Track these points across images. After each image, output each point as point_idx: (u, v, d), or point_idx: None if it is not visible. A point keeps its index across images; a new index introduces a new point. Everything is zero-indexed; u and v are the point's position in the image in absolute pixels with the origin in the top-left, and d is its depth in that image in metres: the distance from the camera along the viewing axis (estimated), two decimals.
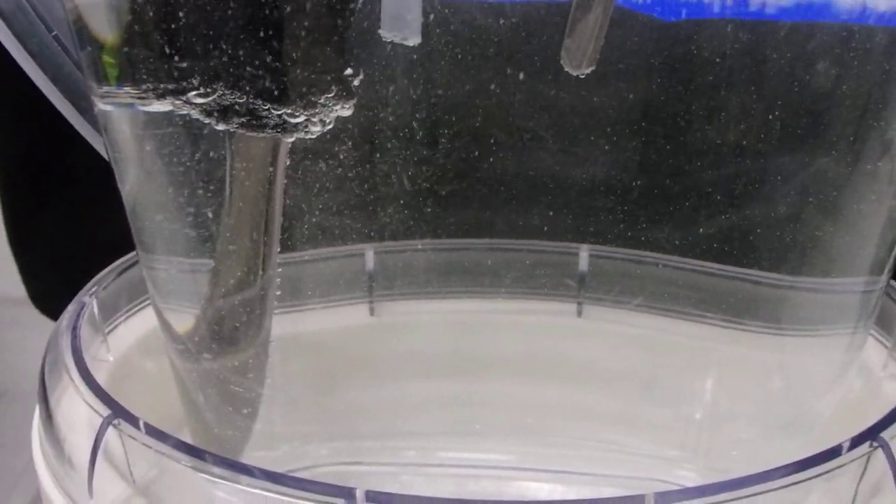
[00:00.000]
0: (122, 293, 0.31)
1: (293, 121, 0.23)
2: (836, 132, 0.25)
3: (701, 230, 0.28)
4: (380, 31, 0.24)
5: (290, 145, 0.24)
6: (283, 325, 0.28)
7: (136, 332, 0.31)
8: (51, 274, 0.45)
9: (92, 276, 0.31)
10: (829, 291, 0.28)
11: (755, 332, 0.29)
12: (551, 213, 0.29)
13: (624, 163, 0.27)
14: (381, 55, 0.25)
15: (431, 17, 0.25)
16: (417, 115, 0.26)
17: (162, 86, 0.23)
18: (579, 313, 0.32)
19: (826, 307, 0.28)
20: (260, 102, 0.22)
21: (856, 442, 0.21)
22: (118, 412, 0.23)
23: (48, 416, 0.25)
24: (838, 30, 0.24)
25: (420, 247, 0.29)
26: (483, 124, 0.27)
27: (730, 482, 0.20)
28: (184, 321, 0.27)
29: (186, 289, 0.27)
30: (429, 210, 0.28)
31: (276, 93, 0.22)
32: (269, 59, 0.22)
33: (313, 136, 0.23)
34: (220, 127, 0.23)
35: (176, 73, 0.22)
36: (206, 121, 0.23)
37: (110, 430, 0.23)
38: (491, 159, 0.28)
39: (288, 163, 0.25)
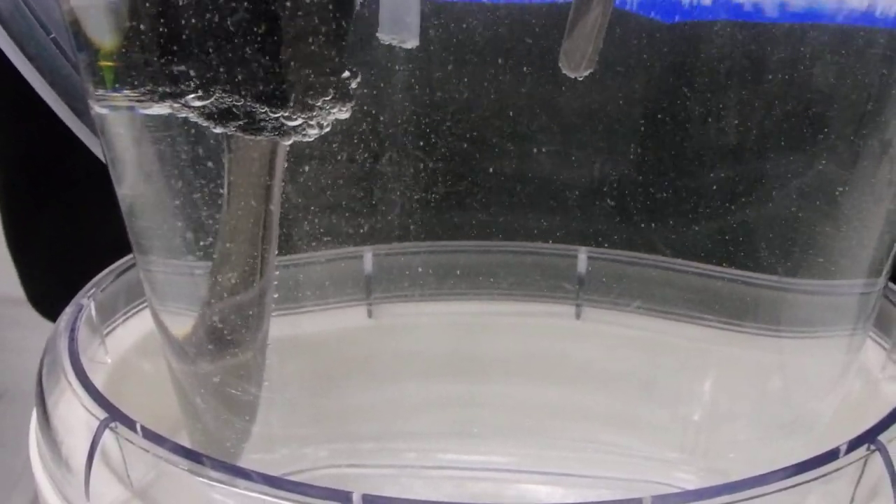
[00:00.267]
0: (121, 295, 0.31)
1: (291, 124, 0.23)
2: (834, 134, 0.25)
3: (699, 232, 0.28)
4: (378, 34, 0.24)
5: (288, 148, 0.24)
6: (281, 327, 0.28)
7: (134, 334, 0.31)
8: (49, 276, 0.45)
9: (90, 278, 0.31)
10: (828, 293, 0.28)
11: (753, 333, 0.29)
12: (550, 216, 0.29)
13: (622, 165, 0.27)
14: (378, 58, 0.25)
15: (429, 19, 0.25)
16: (416, 118, 0.26)
17: (160, 89, 0.22)
18: (578, 315, 0.32)
19: (824, 309, 0.28)
20: (257, 105, 0.22)
21: (853, 445, 0.21)
22: (115, 415, 0.23)
23: (45, 419, 0.25)
24: (837, 31, 0.24)
25: (418, 249, 0.29)
26: (481, 127, 0.27)
27: (727, 485, 0.20)
28: (181, 324, 0.27)
29: (183, 291, 0.27)
30: (427, 212, 0.28)
31: (273, 96, 0.22)
32: (266, 61, 0.22)
33: (311, 139, 0.23)
34: (218, 130, 0.23)
35: (173, 77, 0.22)
36: (205, 124, 0.23)
37: (107, 433, 0.23)
38: (489, 162, 0.28)
39: (286, 165, 0.25)
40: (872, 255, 0.26)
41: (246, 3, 0.21)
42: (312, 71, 0.22)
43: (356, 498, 0.19)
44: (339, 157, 0.26)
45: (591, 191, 0.28)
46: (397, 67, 0.25)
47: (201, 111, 0.22)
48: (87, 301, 0.29)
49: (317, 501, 0.20)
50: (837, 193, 0.25)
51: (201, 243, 0.26)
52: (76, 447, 0.24)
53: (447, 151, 0.27)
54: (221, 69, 0.22)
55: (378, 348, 0.32)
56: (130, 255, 0.30)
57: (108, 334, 0.31)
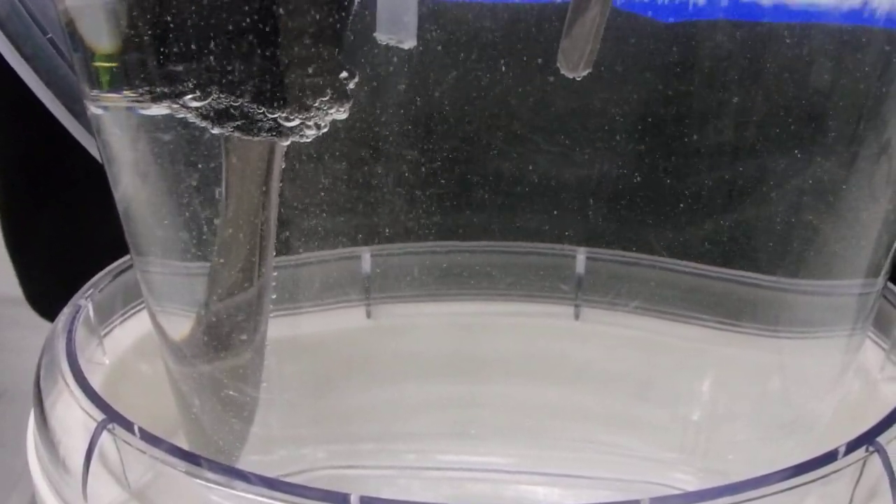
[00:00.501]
0: (119, 296, 0.31)
1: (288, 124, 0.23)
2: (833, 134, 0.25)
3: (698, 233, 0.28)
4: (375, 34, 0.24)
5: (285, 148, 0.24)
6: (279, 328, 0.28)
7: (132, 335, 0.31)
8: (47, 276, 0.45)
9: (89, 279, 0.31)
10: (827, 293, 0.27)
11: (752, 334, 0.29)
12: (548, 216, 0.29)
13: (621, 165, 0.27)
14: (376, 58, 0.25)
15: (427, 19, 0.25)
16: (413, 118, 0.26)
17: (157, 89, 0.22)
18: (576, 316, 0.32)
19: (823, 309, 0.28)
20: (255, 106, 0.22)
21: (852, 446, 0.21)
22: (113, 417, 0.23)
23: (43, 420, 0.25)
24: (836, 31, 0.23)
25: (417, 249, 0.29)
26: (479, 127, 0.27)
27: (725, 487, 0.20)
28: (178, 325, 0.27)
29: (181, 292, 0.27)
30: (425, 213, 0.28)
31: (271, 96, 0.22)
32: (263, 62, 0.22)
33: (309, 140, 0.23)
34: (216, 130, 0.23)
35: (170, 77, 0.22)
36: (202, 124, 0.23)
37: (105, 434, 0.23)
38: (487, 162, 0.28)
39: (283, 166, 0.25)
40: (871, 255, 0.26)
41: (244, 3, 0.21)
42: (310, 71, 0.22)
43: (354, 499, 0.19)
44: (336, 158, 0.26)
45: (589, 191, 0.28)
46: (395, 68, 0.25)
47: (199, 112, 0.22)
48: (84, 302, 0.29)
49: (314, 503, 0.20)
50: (836, 193, 0.25)
51: (198, 244, 0.26)
52: (74, 448, 0.23)
53: (445, 152, 0.27)
54: (219, 69, 0.22)
55: (377, 349, 0.32)
56: (128, 256, 0.30)
57: (105, 335, 0.30)
